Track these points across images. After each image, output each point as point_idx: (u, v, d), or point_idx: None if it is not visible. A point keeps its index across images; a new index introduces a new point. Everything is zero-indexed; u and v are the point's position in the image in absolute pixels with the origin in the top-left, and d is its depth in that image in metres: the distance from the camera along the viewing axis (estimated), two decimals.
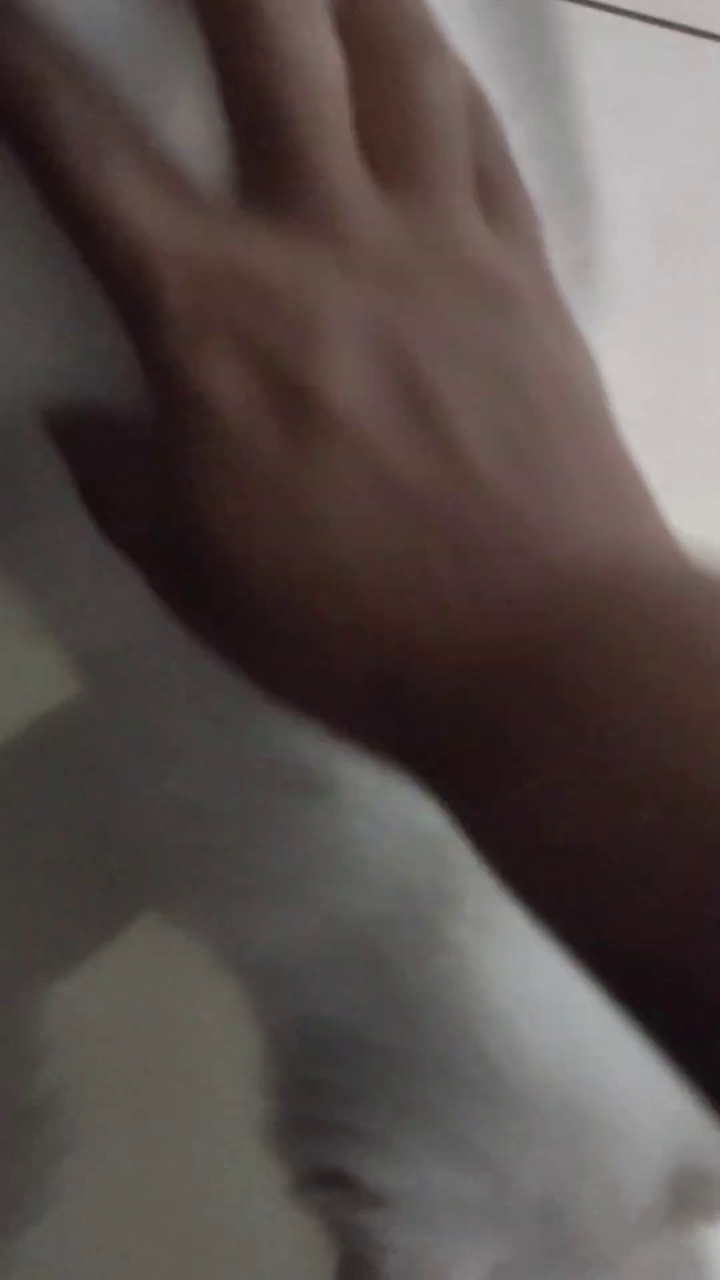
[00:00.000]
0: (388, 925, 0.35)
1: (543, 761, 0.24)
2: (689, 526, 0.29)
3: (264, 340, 0.26)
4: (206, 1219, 0.46)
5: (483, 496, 0.26)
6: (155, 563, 0.28)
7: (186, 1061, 0.45)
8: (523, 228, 0.30)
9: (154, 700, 0.34)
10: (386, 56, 0.28)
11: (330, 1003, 0.36)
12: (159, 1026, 0.45)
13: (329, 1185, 0.35)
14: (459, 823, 0.26)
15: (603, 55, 0.66)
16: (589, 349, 0.30)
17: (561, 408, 0.28)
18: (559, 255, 0.31)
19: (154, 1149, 0.45)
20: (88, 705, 0.38)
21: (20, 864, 0.43)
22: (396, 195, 0.28)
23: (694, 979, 0.22)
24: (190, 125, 0.27)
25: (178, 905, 0.41)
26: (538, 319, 0.28)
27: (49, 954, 0.44)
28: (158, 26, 0.27)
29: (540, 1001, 0.35)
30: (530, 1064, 0.35)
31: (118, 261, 0.26)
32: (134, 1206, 0.45)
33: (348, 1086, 0.36)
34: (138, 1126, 0.45)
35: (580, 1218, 0.36)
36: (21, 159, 0.26)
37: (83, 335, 0.28)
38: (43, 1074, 0.43)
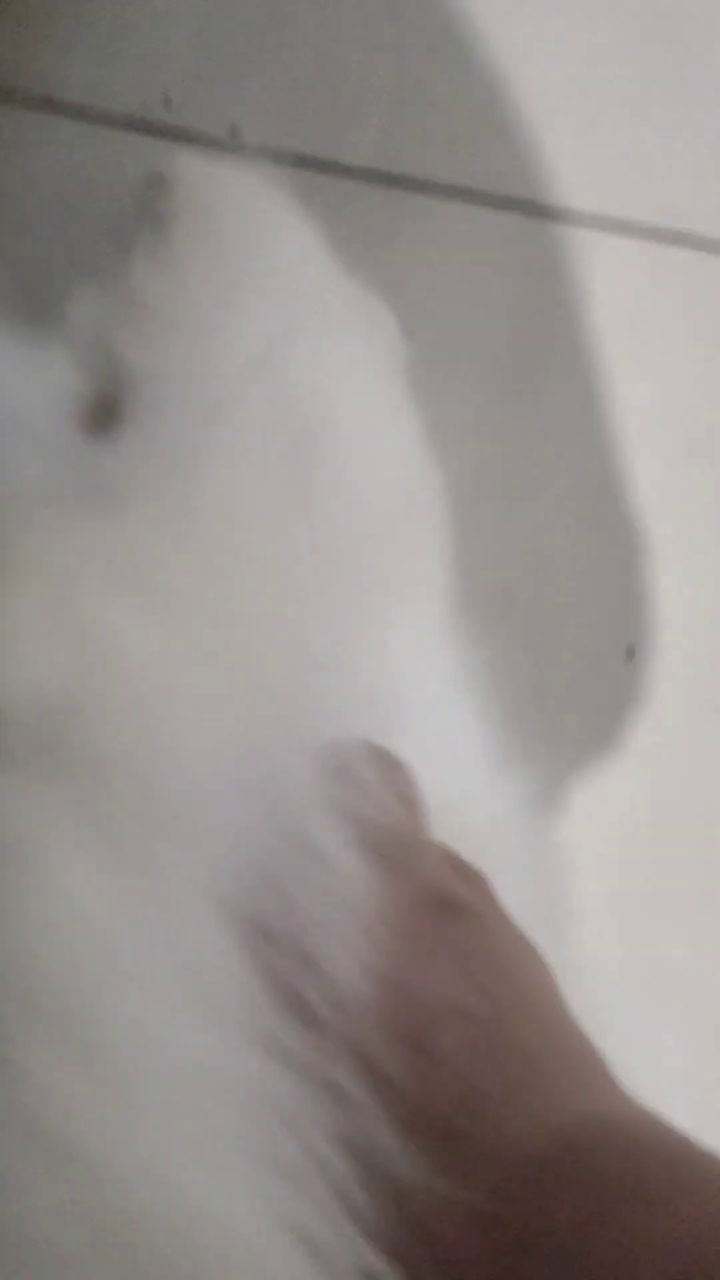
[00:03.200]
0: None
1: None
2: None
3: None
4: None
5: (454, 1085, 0.32)
6: None
7: None
8: (475, 878, 0.38)
9: None
10: None
11: None
12: None
13: None
14: None
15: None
16: (534, 947, 0.37)
17: (517, 997, 0.34)
18: None
19: None
20: None
21: None
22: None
23: None
24: None
25: None
26: (480, 920, 0.36)
27: None
28: None
29: None
30: None
31: None
32: None
33: None
34: None
35: None
36: None
37: None
38: None
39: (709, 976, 0.65)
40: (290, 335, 0.45)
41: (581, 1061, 0.33)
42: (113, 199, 0.57)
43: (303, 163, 0.62)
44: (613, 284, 0.67)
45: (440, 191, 0.65)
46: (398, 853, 0.36)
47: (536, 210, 0.66)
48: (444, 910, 0.36)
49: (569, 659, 0.65)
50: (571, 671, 0.65)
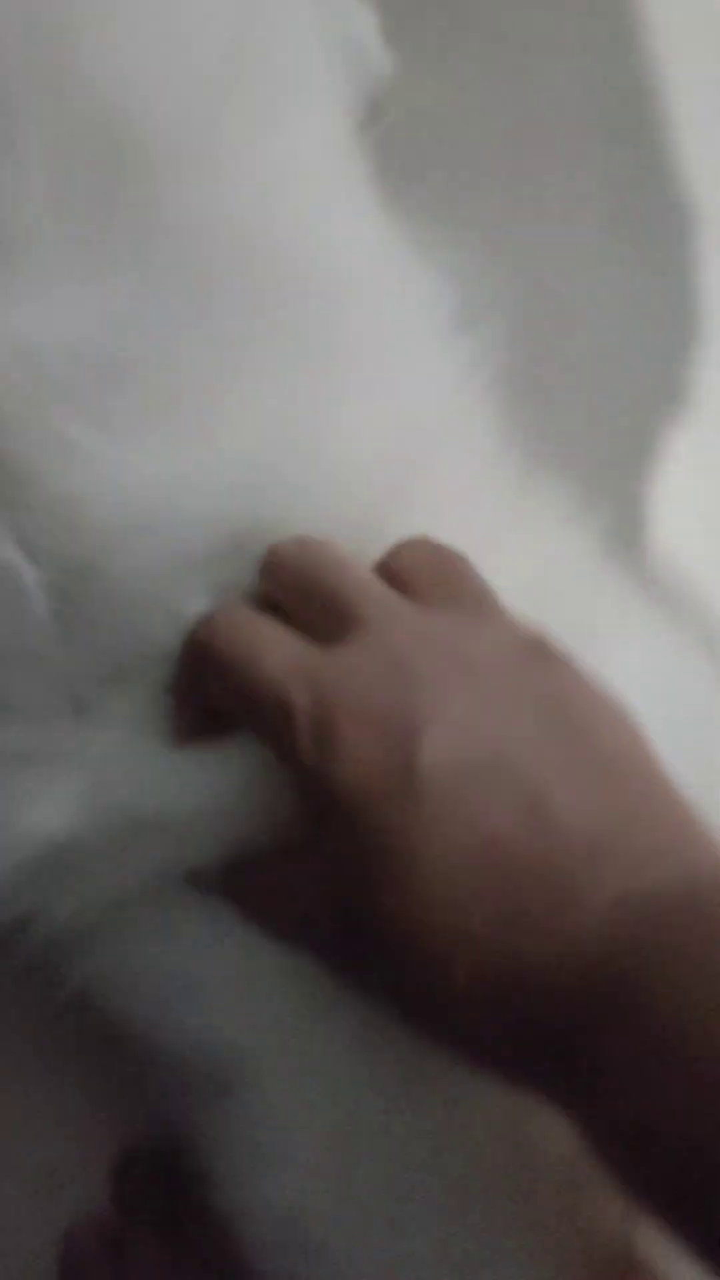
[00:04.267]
0: None
1: (615, 1060, 0.31)
2: None
3: (376, 716, 0.35)
4: None
5: (561, 839, 0.34)
6: (322, 934, 0.36)
7: None
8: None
9: None
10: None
11: None
12: None
13: None
14: (571, 1116, 0.33)
15: None
16: (618, 701, 0.37)
17: (612, 740, 0.36)
18: None
19: None
20: None
21: None
22: (441, 606, 0.38)
23: None
24: None
25: None
26: (570, 666, 0.37)
27: None
28: None
29: None
30: None
31: (265, 696, 0.36)
32: None
33: None
34: None
35: None
36: (212, 675, 0.37)
37: None
38: None
39: None
40: None
41: (674, 813, 0.36)
42: None
43: None
44: None
45: None
46: (478, 600, 0.38)
47: None
48: (536, 654, 0.37)
49: None
50: None
